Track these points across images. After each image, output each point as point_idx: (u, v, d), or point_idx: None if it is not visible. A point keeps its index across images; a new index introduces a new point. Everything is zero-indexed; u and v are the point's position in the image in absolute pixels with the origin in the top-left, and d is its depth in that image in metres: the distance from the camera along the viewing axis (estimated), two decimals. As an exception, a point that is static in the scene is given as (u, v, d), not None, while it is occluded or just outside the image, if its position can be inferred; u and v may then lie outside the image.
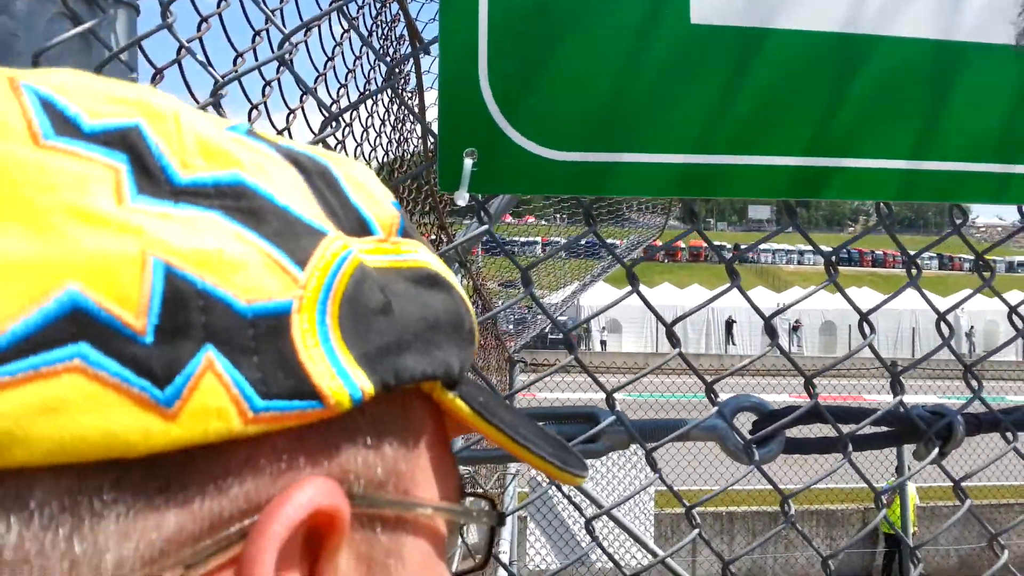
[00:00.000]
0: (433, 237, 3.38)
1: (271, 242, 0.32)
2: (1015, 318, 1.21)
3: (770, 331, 1.14)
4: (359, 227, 0.37)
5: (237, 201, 0.32)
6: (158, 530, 0.28)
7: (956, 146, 1.07)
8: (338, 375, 0.32)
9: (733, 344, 29.55)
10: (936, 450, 1.22)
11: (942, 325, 1.19)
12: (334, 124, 0.96)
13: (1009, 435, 1.28)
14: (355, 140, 1.54)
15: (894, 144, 1.05)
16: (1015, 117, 1.08)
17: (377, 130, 1.79)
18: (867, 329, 1.15)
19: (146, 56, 1.08)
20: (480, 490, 1.24)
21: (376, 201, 0.39)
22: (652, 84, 0.98)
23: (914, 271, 1.18)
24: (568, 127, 0.97)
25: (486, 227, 0.99)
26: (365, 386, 0.33)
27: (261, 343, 0.30)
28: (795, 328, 30.09)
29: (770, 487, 1.12)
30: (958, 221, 1.18)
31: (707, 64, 1.00)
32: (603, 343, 29.94)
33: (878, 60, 1.03)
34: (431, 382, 0.38)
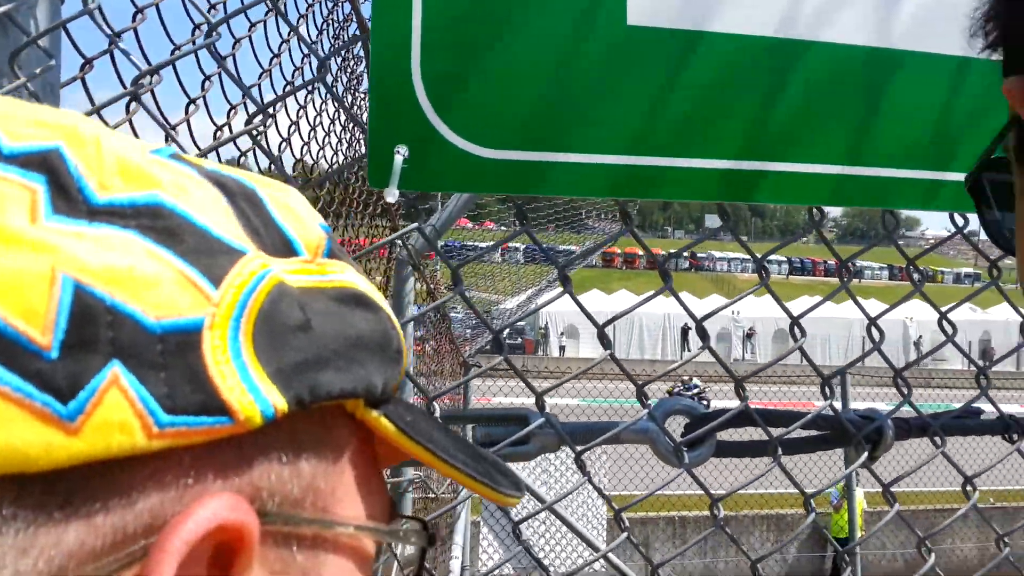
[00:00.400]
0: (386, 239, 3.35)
1: (186, 260, 0.32)
2: (945, 324, 1.22)
3: (701, 333, 1.14)
4: (284, 248, 0.38)
5: (154, 220, 0.32)
6: (58, 546, 0.28)
7: (888, 152, 1.08)
8: (249, 391, 0.32)
9: (689, 350, 29.81)
10: (866, 454, 1.23)
11: (872, 330, 1.21)
12: (261, 116, 0.93)
13: (937, 439, 1.30)
14: (302, 139, 1.51)
15: (827, 149, 1.06)
16: (946, 125, 1.10)
17: (326, 129, 1.76)
18: (798, 333, 1.15)
19: (75, 45, 1.05)
20: (418, 509, 1.22)
21: (302, 223, 0.40)
22: (587, 84, 0.98)
23: (846, 276, 1.19)
24: (502, 125, 0.96)
25: (415, 225, 0.97)
26: (278, 402, 0.33)
27: (170, 359, 0.30)
28: (749, 335, 30.48)
29: (722, 492, 1.12)
30: (891, 227, 1.19)
31: (642, 66, 0.99)
32: (561, 348, 30.04)
33: (812, 65, 1.04)
34: (353, 400, 0.38)
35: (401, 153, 0.93)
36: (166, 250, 0.32)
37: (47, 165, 0.31)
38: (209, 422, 0.31)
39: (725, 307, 1.14)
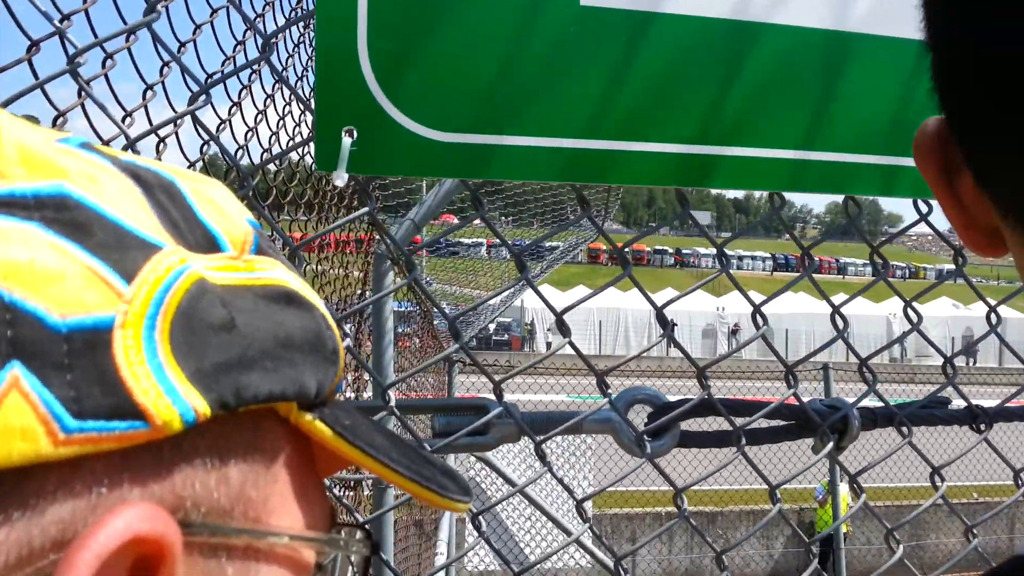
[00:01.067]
0: (363, 233, 3.32)
1: (94, 254, 0.30)
2: (837, 318, 1.21)
3: (662, 321, 1.12)
4: (206, 243, 0.36)
5: (58, 212, 0.30)
6: None
7: (846, 137, 1.07)
8: (166, 393, 0.30)
9: (664, 343, 29.87)
10: (831, 444, 1.22)
11: (836, 319, 1.19)
12: (203, 98, 0.91)
13: (904, 429, 1.29)
14: (245, 124, 1.49)
15: (784, 134, 1.04)
16: (905, 110, 1.08)
17: (280, 113, 1.73)
18: (759, 320, 1.14)
19: (19, 26, 1.02)
20: (355, 519, 1.20)
21: (227, 217, 0.37)
22: (539, 66, 0.96)
23: (807, 261, 1.18)
24: (452, 107, 0.94)
25: (366, 209, 0.95)
26: (198, 405, 0.31)
27: (76, 359, 0.28)
28: (734, 332, 30.57)
29: (706, 488, 1.10)
30: (854, 214, 1.18)
31: (596, 47, 0.97)
32: (548, 344, 30.03)
33: (768, 48, 1.03)
34: (284, 403, 0.36)
35: (349, 135, 0.90)
36: (72, 243, 0.30)
37: None
38: (122, 427, 0.29)
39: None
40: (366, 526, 0.46)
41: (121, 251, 0.31)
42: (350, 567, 0.43)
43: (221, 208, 0.38)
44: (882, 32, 1.06)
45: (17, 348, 0.27)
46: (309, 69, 2.08)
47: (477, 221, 1.03)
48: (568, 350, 1.08)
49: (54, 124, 1.09)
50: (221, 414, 0.32)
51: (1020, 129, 0.35)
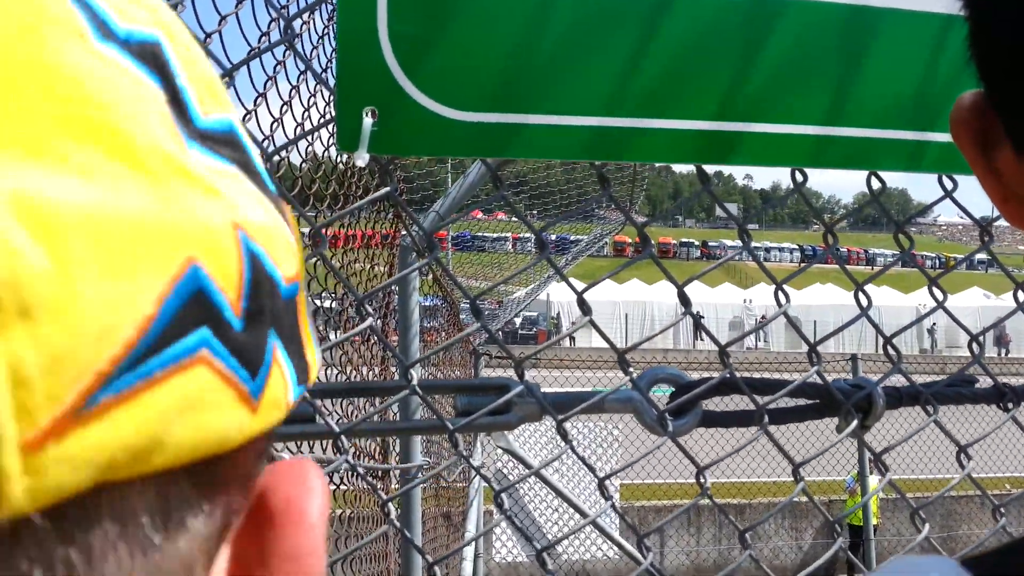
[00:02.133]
0: (389, 225, 3.34)
1: (277, 210, 0.28)
2: (861, 297, 1.20)
3: (684, 300, 1.12)
4: None
5: (236, 153, 0.26)
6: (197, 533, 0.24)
7: (870, 112, 1.06)
8: (317, 359, 0.30)
9: (701, 339, 29.73)
10: (855, 422, 1.21)
11: (860, 295, 1.19)
12: (226, 81, 0.92)
13: (929, 408, 1.28)
14: (270, 115, 1.50)
15: (806, 109, 1.04)
16: (930, 83, 1.07)
17: (305, 104, 1.75)
18: (782, 298, 1.13)
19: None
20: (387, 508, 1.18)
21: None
22: (559, 44, 0.96)
23: (830, 239, 1.17)
24: (472, 86, 0.95)
25: (387, 189, 0.96)
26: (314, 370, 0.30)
27: (291, 326, 0.27)
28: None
29: (733, 479, 1.10)
30: (877, 191, 1.17)
31: (616, 24, 0.98)
32: (571, 338, 29.96)
33: (790, 23, 1.02)
34: None
35: (370, 115, 0.91)
36: (261, 193, 0.27)
37: (157, 63, 0.25)
38: (300, 392, 0.28)
39: (686, 282, 1.12)
40: None
41: (276, 202, 0.28)
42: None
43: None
44: (906, 6, 1.05)
45: (274, 318, 0.26)
46: (334, 60, 2.10)
47: (502, 215, 1.03)
48: (594, 342, 1.08)
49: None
50: None
51: None
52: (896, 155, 1.08)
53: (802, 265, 1.41)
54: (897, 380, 1.30)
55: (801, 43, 1.03)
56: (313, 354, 0.29)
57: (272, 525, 0.27)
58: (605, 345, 1.16)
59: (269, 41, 1.48)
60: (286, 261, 0.27)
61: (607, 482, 1.17)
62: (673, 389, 1.17)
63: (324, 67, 1.86)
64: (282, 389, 0.26)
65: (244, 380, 0.24)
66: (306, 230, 1.17)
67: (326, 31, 2.00)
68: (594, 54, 0.97)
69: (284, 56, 1.55)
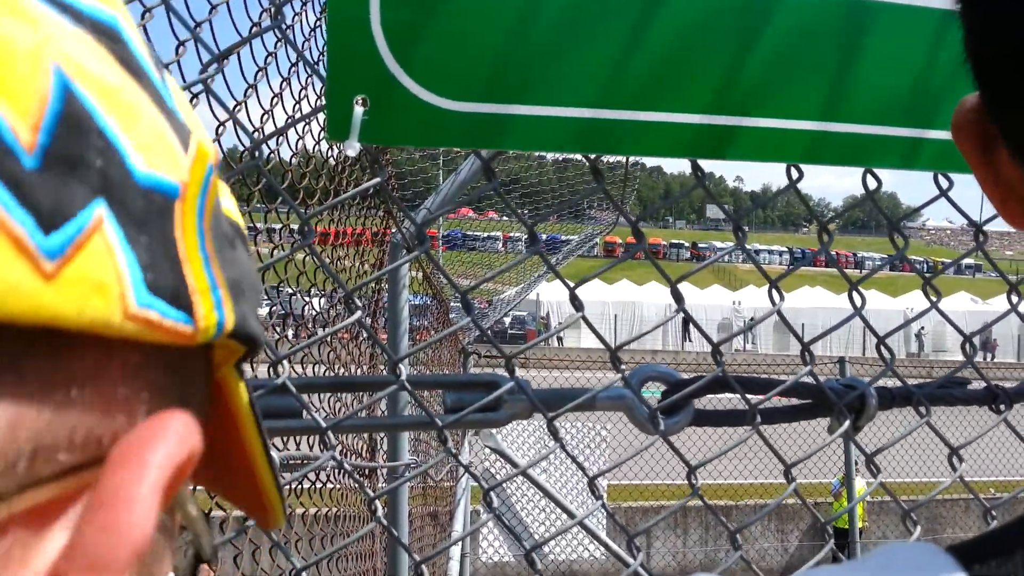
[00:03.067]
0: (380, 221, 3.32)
1: (156, 105, 0.24)
2: (855, 296, 1.19)
3: (676, 296, 1.11)
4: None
5: (114, 45, 0.24)
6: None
7: (866, 109, 1.05)
8: (212, 292, 0.25)
9: (689, 340, 29.79)
10: (848, 423, 1.20)
11: (853, 296, 1.18)
12: (215, 66, 0.90)
13: (922, 409, 1.28)
14: (261, 107, 1.48)
15: (802, 105, 1.02)
16: (927, 80, 1.06)
17: (296, 97, 1.73)
18: (776, 296, 1.12)
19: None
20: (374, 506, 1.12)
21: (199, 126, 0.31)
22: (552, 34, 0.95)
23: (825, 237, 1.16)
24: (465, 76, 0.93)
25: (378, 180, 0.94)
26: (228, 318, 0.26)
27: (151, 221, 0.23)
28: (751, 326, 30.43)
29: (721, 481, 1.09)
30: (872, 189, 1.16)
31: (609, 15, 0.96)
32: (560, 339, 29.97)
33: (786, 17, 1.01)
34: (238, 351, 0.29)
35: (361, 104, 0.90)
36: (136, 84, 0.24)
37: None
38: (175, 318, 0.23)
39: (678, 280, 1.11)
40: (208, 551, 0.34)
41: (170, 115, 0.25)
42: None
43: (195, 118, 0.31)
44: (903, 1, 1.04)
45: (106, 185, 0.21)
46: (325, 53, 2.08)
47: (493, 214, 1.02)
48: (583, 343, 1.07)
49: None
50: (222, 339, 0.26)
51: None
52: (892, 152, 1.07)
53: (789, 267, 1.40)
54: (887, 380, 1.29)
55: (797, 37, 1.02)
56: (205, 287, 0.25)
57: (103, 470, 0.22)
58: (594, 345, 1.15)
59: (260, 29, 1.47)
60: (153, 149, 0.23)
61: (595, 482, 1.16)
62: (663, 388, 1.16)
63: (316, 60, 1.85)
64: (108, 272, 0.21)
65: (22, 222, 0.19)
66: (295, 225, 1.16)
67: (318, 23, 1.98)
68: (588, 45, 0.96)
69: (275, 47, 1.53)
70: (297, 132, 1.75)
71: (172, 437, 0.23)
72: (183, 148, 0.25)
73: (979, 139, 0.42)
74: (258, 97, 1.57)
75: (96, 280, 0.21)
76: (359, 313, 0.97)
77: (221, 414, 0.31)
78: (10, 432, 0.20)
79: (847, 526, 9.52)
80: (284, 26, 0.92)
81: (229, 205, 0.31)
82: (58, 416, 0.21)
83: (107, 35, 0.24)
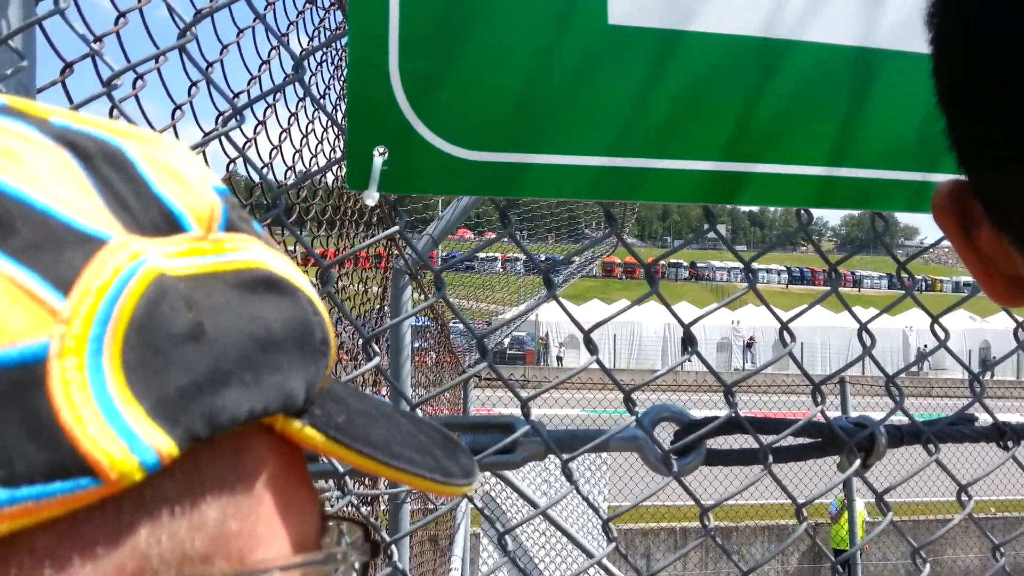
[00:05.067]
0: (382, 249, 3.33)
1: (17, 260, 0.24)
2: (938, 328, 1.20)
3: (689, 339, 1.12)
4: (164, 223, 0.29)
5: None
6: None
7: (874, 154, 1.06)
8: (120, 437, 0.24)
9: (689, 361, 29.81)
10: (858, 462, 1.21)
11: (864, 335, 1.19)
12: (238, 118, 0.92)
13: (931, 447, 1.28)
14: (293, 146, 1.50)
15: (812, 150, 1.04)
16: (933, 126, 1.08)
17: (319, 137, 1.75)
18: (787, 337, 1.13)
19: (53, 47, 1.04)
20: (350, 512, 1.12)
21: (189, 188, 0.30)
22: (567, 84, 0.96)
23: (834, 275, 1.18)
24: (481, 126, 0.95)
25: (396, 228, 0.96)
26: (161, 445, 0.25)
27: (1, 408, 0.22)
28: (749, 345, 30.42)
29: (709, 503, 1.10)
30: (880, 230, 1.17)
31: (623, 65, 0.98)
32: (559, 359, 29.95)
33: (796, 65, 1.03)
34: (270, 418, 0.30)
35: (380, 154, 0.91)
36: None
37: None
38: (66, 488, 0.23)
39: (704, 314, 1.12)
40: (365, 525, 0.39)
41: (54, 251, 0.24)
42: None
43: (181, 176, 0.31)
44: (911, 49, 1.06)
45: None
46: (331, 87, 2.10)
47: (490, 235, 1.03)
48: (573, 363, 1.08)
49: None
50: (191, 448, 0.26)
51: None
52: (900, 195, 1.09)
53: (792, 290, 1.41)
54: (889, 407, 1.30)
55: (806, 84, 1.04)
56: (108, 435, 0.24)
57: None
58: (593, 366, 1.15)
59: (270, 70, 1.48)
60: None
61: (614, 518, 1.16)
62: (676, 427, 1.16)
63: (323, 92, 1.87)
64: None
65: None
66: (291, 246, 1.17)
67: (324, 57, 2.00)
68: (602, 95, 0.98)
69: (299, 104, 1.55)
70: (304, 163, 1.77)
71: None
72: (58, 293, 0.24)
73: (959, 218, 0.44)
74: (267, 132, 1.59)
75: None
76: (377, 359, 0.98)
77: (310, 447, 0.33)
78: None
79: (847, 547, 9.49)
80: (306, 80, 0.94)
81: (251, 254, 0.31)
82: None
83: None
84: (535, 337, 31.25)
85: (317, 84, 1.76)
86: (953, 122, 0.44)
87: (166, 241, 0.28)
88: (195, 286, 0.28)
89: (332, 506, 2.42)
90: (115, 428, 0.24)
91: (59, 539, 0.24)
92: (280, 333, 0.30)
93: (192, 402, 0.26)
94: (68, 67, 1.04)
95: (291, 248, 1.81)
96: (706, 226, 1.09)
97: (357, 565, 0.37)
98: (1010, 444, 1.33)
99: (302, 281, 0.33)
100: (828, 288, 1.18)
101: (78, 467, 0.23)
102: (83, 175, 0.27)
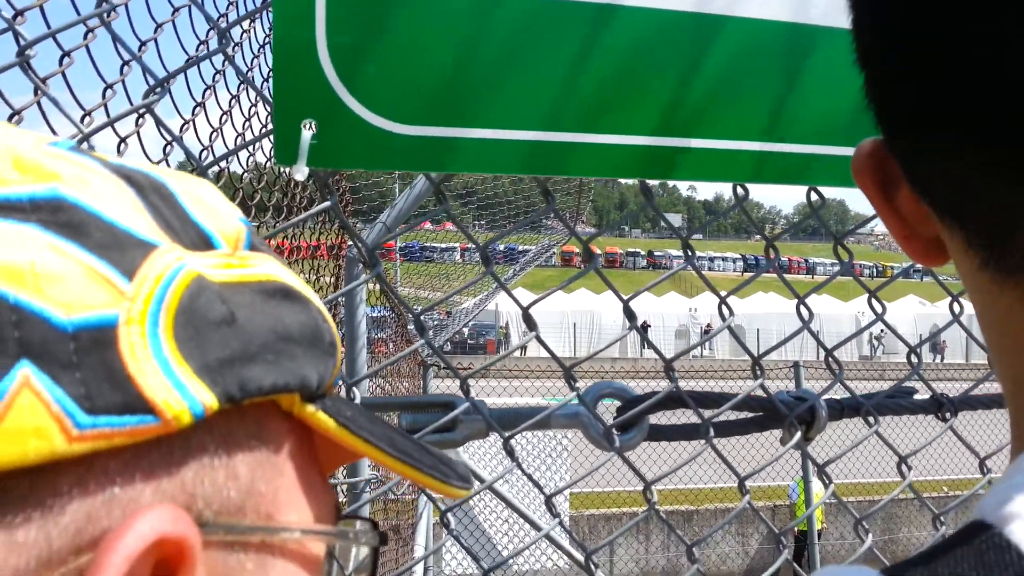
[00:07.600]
0: (334, 236, 3.30)
1: (95, 254, 0.31)
2: (801, 308, 1.21)
3: (628, 314, 1.12)
4: (201, 242, 0.36)
5: (55, 214, 0.31)
6: None
7: (808, 129, 1.07)
8: (174, 388, 0.31)
9: (647, 349, 30.03)
10: (799, 434, 1.22)
11: (802, 309, 1.20)
12: (159, 91, 0.89)
13: (871, 419, 1.30)
14: (209, 125, 1.46)
15: (747, 125, 1.04)
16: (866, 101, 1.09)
17: (246, 114, 1.71)
18: (726, 312, 1.14)
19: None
20: (366, 511, 1.19)
21: (219, 216, 0.38)
22: (498, 58, 0.95)
23: (772, 252, 1.18)
24: (412, 100, 0.93)
25: (328, 204, 0.94)
26: (206, 399, 0.32)
27: (84, 357, 0.29)
28: (706, 332, 30.74)
29: (680, 486, 1.10)
30: (816, 205, 1.18)
31: (556, 39, 0.97)
32: (523, 348, 29.85)
33: (730, 40, 1.03)
34: (288, 396, 0.37)
35: (308, 128, 0.89)
36: (71, 243, 0.30)
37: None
38: (133, 422, 0.30)
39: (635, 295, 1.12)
40: (374, 522, 0.46)
41: (120, 250, 0.31)
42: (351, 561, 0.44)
43: (212, 207, 0.38)
44: (844, 25, 1.07)
45: (25, 348, 0.28)
46: (256, 65, 2.06)
47: (451, 226, 1.02)
48: (542, 352, 1.07)
49: (9, 121, 1.06)
50: (227, 408, 0.33)
51: (951, 140, 0.37)
52: (834, 171, 1.09)
53: (747, 276, 1.42)
54: (837, 388, 1.31)
55: (740, 60, 1.04)
56: (165, 387, 0.31)
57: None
58: (558, 356, 1.15)
59: (208, 50, 1.45)
60: (70, 295, 0.29)
61: (552, 499, 1.16)
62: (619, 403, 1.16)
63: (266, 76, 1.83)
64: (41, 417, 0.27)
65: None
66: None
67: (267, 40, 1.96)
68: (534, 68, 0.97)
69: (223, 66, 1.51)
70: (248, 150, 1.73)
71: (128, 538, 0.29)
72: (125, 279, 0.31)
73: (879, 181, 0.45)
74: (207, 115, 1.55)
75: (32, 426, 0.27)
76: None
77: (319, 434, 0.39)
78: (9, 559, 0.27)
79: (806, 528, 9.64)
80: (231, 46, 0.92)
81: (264, 271, 0.38)
82: (44, 529, 0.28)
83: (51, 210, 0.31)
84: (495, 327, 31.25)
85: (259, 66, 1.73)
86: (870, 84, 0.44)
87: (202, 255, 0.35)
88: (227, 288, 0.35)
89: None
90: (170, 381, 0.31)
91: (125, 464, 0.30)
92: (296, 331, 0.37)
93: (228, 370, 0.33)
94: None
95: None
96: (644, 202, 1.09)
97: (368, 548, 0.44)
98: (948, 415, 1.35)
99: (311, 294, 0.40)
100: (792, 279, 1.18)
101: (142, 407, 0.30)
102: (137, 200, 0.34)
